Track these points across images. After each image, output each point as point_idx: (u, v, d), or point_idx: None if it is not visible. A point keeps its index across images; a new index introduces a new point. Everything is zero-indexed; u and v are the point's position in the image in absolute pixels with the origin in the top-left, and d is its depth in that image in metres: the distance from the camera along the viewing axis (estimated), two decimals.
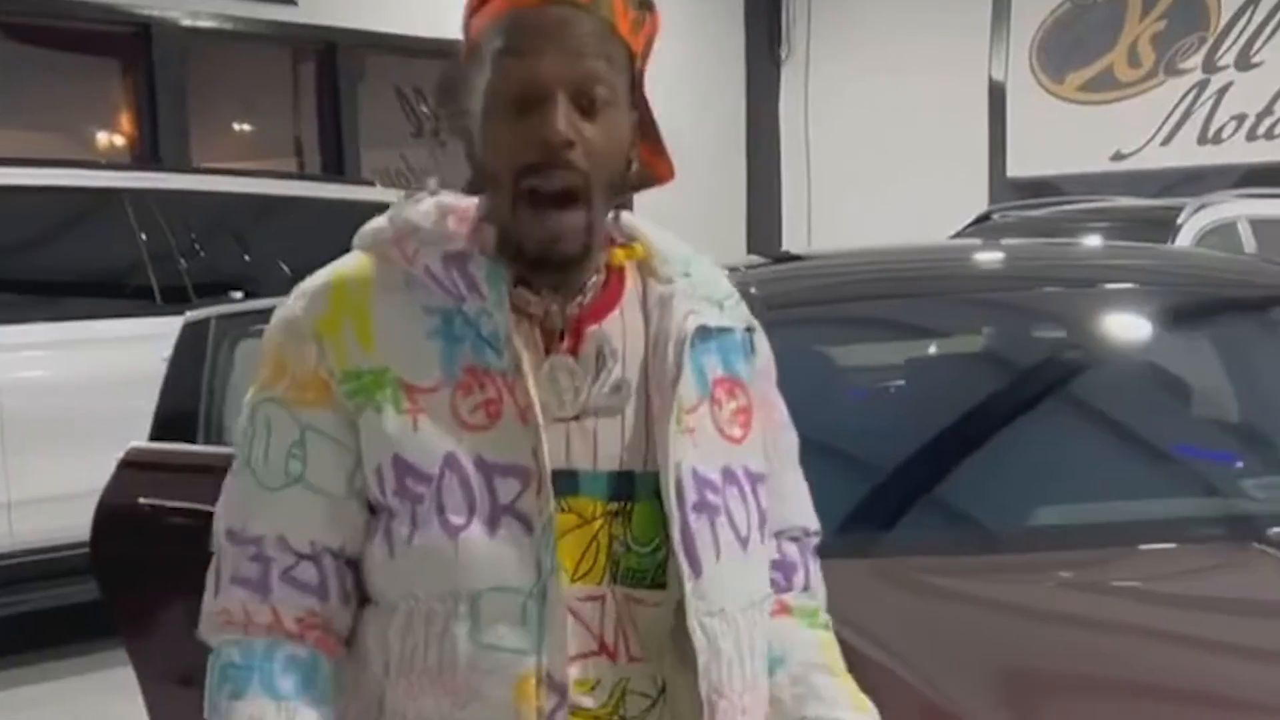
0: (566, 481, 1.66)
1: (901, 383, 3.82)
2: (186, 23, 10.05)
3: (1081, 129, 11.76)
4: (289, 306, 1.72)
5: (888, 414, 3.76)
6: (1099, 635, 2.56)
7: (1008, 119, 12.21)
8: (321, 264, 1.76)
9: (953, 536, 3.09)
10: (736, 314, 1.81)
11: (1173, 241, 7.84)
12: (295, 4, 10.56)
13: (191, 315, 4.35)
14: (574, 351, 1.70)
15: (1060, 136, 11.81)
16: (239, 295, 6.82)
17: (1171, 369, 3.67)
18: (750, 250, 12.23)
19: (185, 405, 4.12)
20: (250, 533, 1.68)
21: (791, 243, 12.86)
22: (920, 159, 12.01)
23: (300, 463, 1.67)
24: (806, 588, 1.86)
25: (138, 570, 3.95)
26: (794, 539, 1.86)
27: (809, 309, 3.46)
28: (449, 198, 1.74)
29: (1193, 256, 5.09)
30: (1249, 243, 8.36)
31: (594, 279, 1.72)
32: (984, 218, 9.01)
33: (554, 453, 1.65)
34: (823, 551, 1.91)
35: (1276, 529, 2.86)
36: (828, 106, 12.94)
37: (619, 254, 1.76)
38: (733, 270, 1.83)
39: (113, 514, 4.04)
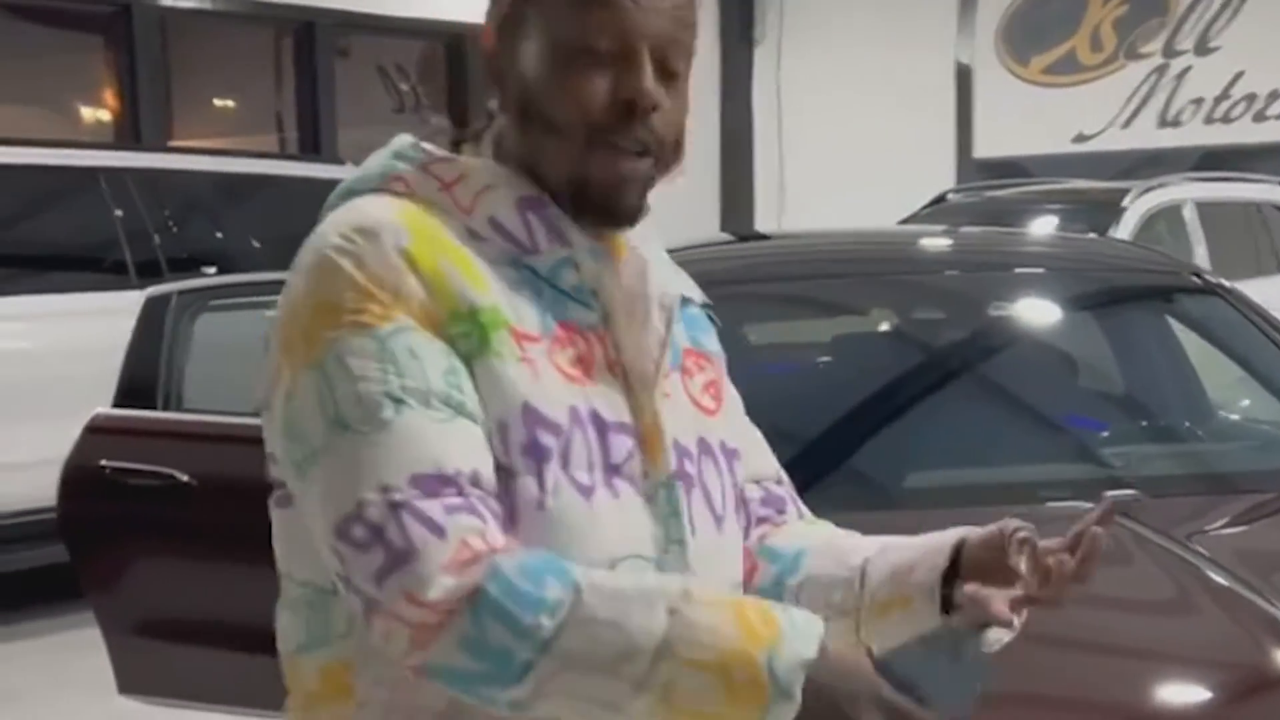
0: None
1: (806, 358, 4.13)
2: (167, 1, 10.24)
3: (1045, 111, 12.03)
4: (346, 245, 1.47)
5: (797, 388, 4.02)
6: None
7: (974, 101, 12.46)
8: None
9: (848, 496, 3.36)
10: (694, 288, 1.74)
11: (1117, 223, 8.10)
12: None
13: (153, 290, 4.60)
14: None
15: (1025, 118, 12.07)
16: (212, 271, 7.06)
17: (1058, 346, 3.95)
18: (723, 230, 12.46)
19: (146, 375, 4.36)
20: (446, 470, 1.41)
21: (765, 223, 13.09)
22: (890, 140, 12.25)
23: (459, 392, 1.45)
24: (801, 517, 1.79)
25: (101, 529, 4.18)
26: (778, 481, 1.79)
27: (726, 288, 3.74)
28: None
29: (1094, 245, 5.39)
30: (1194, 225, 8.61)
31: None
32: (939, 200, 9.27)
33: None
34: None
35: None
36: (800, 88, 13.16)
37: None
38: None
39: (78, 477, 4.27)
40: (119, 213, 7.06)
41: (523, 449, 1.46)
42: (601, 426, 1.51)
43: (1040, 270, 4.15)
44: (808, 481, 3.32)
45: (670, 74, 1.54)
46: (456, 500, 1.40)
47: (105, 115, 10.67)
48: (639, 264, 1.60)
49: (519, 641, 1.36)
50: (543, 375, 1.48)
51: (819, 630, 1.39)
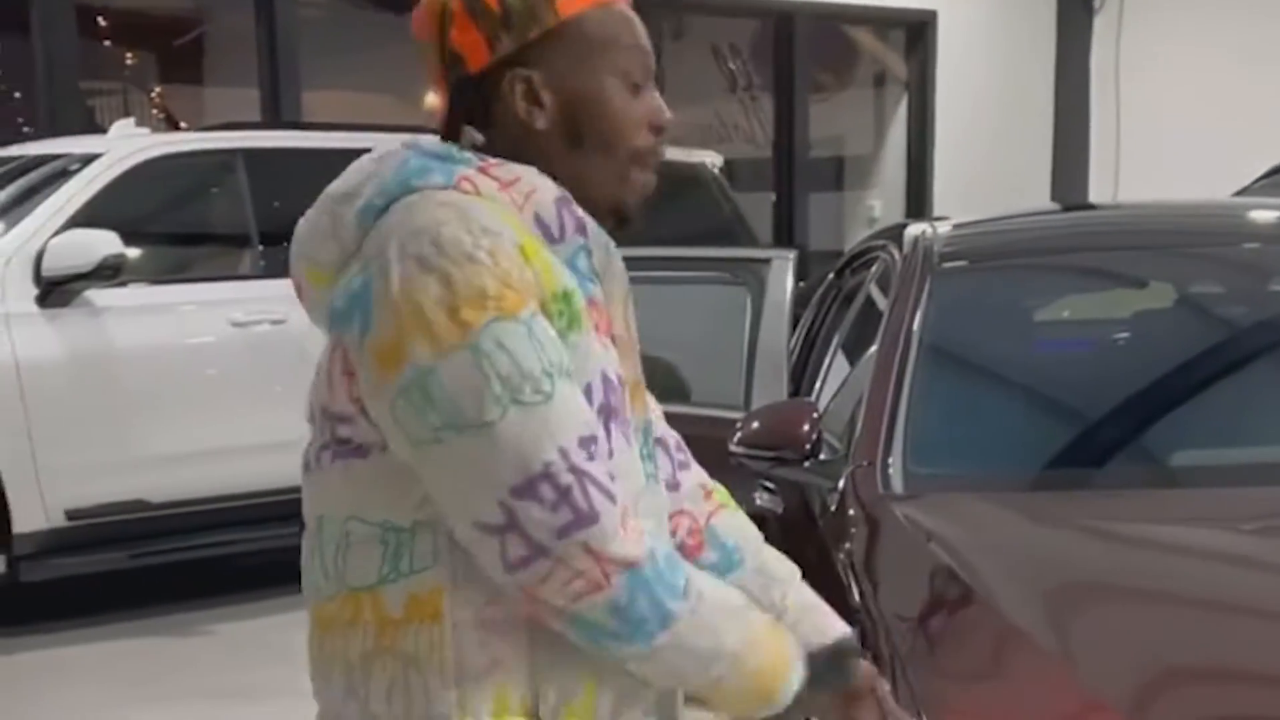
0: None
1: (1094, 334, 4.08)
2: None
3: None
4: (474, 240, 1.69)
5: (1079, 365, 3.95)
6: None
7: None
8: None
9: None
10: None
11: None
12: None
13: None
14: None
15: None
16: None
17: None
18: (1053, 200, 12.22)
19: None
20: (595, 430, 1.72)
21: (1099, 194, 12.76)
22: (1234, 109, 11.77)
23: (569, 362, 1.73)
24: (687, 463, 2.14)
25: None
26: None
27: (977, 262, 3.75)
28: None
29: None
30: None
31: None
32: (1276, 170, 8.86)
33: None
34: None
35: None
36: (1140, 57, 12.75)
37: None
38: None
39: None
40: None
41: (600, 407, 1.76)
42: (622, 385, 1.82)
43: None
44: (1095, 458, 3.35)
45: None
46: (607, 464, 1.71)
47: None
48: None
49: (656, 618, 1.71)
50: (606, 346, 1.81)
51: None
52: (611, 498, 1.68)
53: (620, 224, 1.89)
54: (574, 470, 1.66)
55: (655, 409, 2.05)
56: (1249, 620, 2.57)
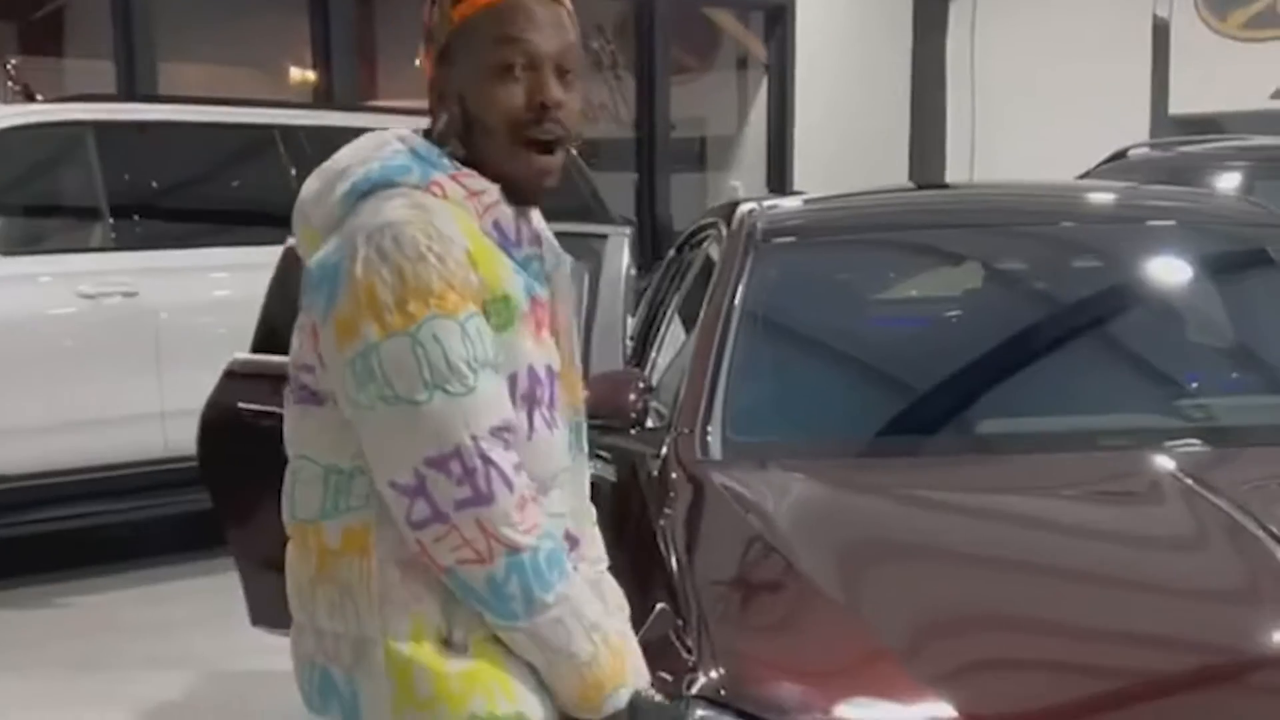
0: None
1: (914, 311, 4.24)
2: None
3: (1243, 66, 11.72)
4: (428, 243, 1.96)
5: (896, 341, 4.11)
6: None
7: (1171, 56, 12.20)
8: None
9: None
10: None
11: None
12: None
13: (290, 241, 4.84)
14: None
15: (1222, 74, 11.78)
16: None
17: (1161, 299, 3.98)
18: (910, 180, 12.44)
19: (280, 322, 4.61)
20: (509, 419, 2.00)
21: (954, 176, 13.01)
22: (1084, 95, 12.06)
23: (498, 357, 2.00)
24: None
25: (236, 468, 4.43)
26: None
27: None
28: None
29: (1224, 202, 5.36)
30: None
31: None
32: (1119, 155, 9.11)
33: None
34: None
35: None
36: (994, 43, 13.02)
37: None
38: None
39: (216, 419, 4.54)
40: (294, 171, 7.33)
41: (523, 395, 2.04)
42: (551, 377, 2.09)
43: (1156, 224, 4.19)
44: (905, 428, 3.51)
45: (566, 76, 2.09)
46: (512, 454, 1.98)
47: (310, 76, 11.03)
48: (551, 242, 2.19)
49: (522, 602, 1.98)
50: (537, 342, 2.07)
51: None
52: (510, 486, 1.96)
53: (518, 199, 2.10)
54: (482, 456, 1.95)
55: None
56: (1031, 575, 2.75)
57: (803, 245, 4.05)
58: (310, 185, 2.13)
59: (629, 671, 2.09)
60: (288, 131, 7.49)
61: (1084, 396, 3.59)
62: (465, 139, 2.09)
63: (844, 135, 12.58)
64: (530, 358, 2.05)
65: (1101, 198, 4.67)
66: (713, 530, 3.13)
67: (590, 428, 2.87)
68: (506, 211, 2.08)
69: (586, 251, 4.58)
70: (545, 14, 2.09)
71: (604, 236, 4.61)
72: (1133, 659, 2.48)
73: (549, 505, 2.06)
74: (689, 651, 2.51)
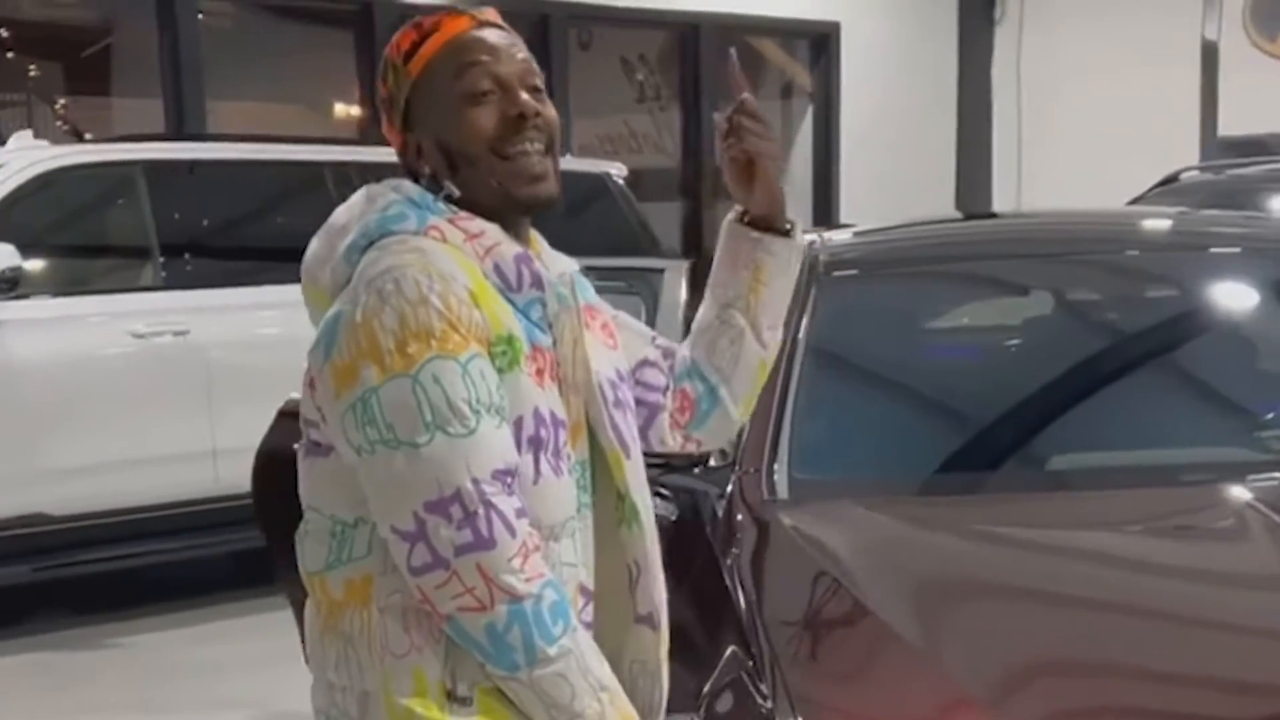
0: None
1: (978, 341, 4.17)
2: None
3: None
4: (429, 284, 1.93)
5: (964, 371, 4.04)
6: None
7: (1219, 78, 12.09)
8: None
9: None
10: (573, 261, 2.26)
11: None
12: None
13: None
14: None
15: (1272, 95, 11.65)
16: None
17: (1234, 328, 3.90)
18: (957, 209, 12.36)
19: None
20: (510, 464, 1.94)
21: (1001, 202, 12.93)
22: (1133, 119, 11.97)
23: (502, 400, 1.96)
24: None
25: (291, 509, 4.39)
26: (654, 338, 2.39)
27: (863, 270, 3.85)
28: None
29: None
30: None
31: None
32: (1171, 179, 9.02)
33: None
34: None
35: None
36: (1041, 67, 12.95)
37: None
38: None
39: (270, 459, 4.50)
40: None
41: (529, 439, 1.99)
42: (556, 422, 2.03)
43: (1225, 251, 4.11)
44: (973, 463, 3.43)
45: (536, 91, 2.10)
46: (515, 500, 1.93)
47: (355, 111, 11.04)
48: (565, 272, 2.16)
49: (524, 652, 1.93)
50: (540, 386, 2.02)
51: None
52: (512, 531, 1.91)
53: (528, 210, 2.11)
54: (484, 500, 1.90)
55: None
56: (1114, 617, 2.66)
57: (867, 277, 3.99)
58: (313, 246, 2.11)
59: None
60: (337, 168, 7.47)
61: (1159, 429, 3.51)
62: (454, 178, 2.09)
63: (890, 163, 12.51)
64: (536, 400, 2.00)
65: (1162, 224, 4.59)
66: (781, 571, 3.06)
67: (650, 465, 2.83)
68: (506, 255, 2.05)
69: (643, 285, 4.54)
70: (499, 38, 2.12)
71: (660, 271, 4.57)
72: (1229, 707, 2.39)
73: (559, 555, 2.03)
74: (763, 698, 2.44)
